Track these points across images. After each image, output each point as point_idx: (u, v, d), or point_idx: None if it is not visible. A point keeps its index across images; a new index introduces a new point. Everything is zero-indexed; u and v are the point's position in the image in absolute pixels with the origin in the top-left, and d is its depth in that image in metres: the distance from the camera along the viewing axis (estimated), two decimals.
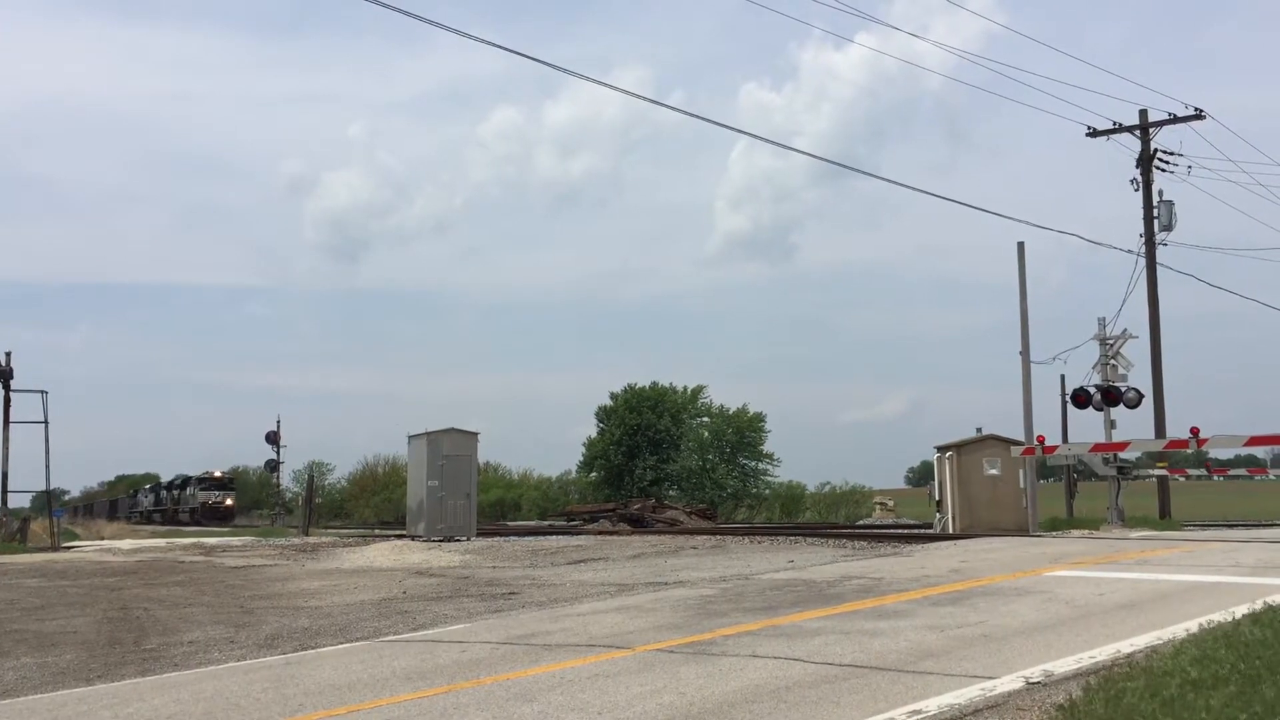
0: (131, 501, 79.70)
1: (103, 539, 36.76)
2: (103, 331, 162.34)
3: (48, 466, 29.87)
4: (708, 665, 6.82)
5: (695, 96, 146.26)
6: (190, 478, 65.47)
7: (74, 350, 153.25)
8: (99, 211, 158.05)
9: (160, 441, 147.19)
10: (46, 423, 29.40)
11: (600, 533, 29.87)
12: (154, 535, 39.86)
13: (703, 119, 73.09)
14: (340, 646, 9.02)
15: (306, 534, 33.73)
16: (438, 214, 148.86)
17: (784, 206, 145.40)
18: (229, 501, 62.54)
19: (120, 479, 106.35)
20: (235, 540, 31.04)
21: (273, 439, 46.33)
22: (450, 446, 26.75)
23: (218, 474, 64.36)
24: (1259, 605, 7.30)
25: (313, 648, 9.09)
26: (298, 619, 11.31)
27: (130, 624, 11.59)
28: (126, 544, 31.04)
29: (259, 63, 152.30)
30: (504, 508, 54.42)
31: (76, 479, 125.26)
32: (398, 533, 30.60)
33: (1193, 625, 6.93)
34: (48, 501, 32.09)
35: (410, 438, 28.31)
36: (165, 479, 77.02)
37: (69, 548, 28.96)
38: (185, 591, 15.07)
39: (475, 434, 27.62)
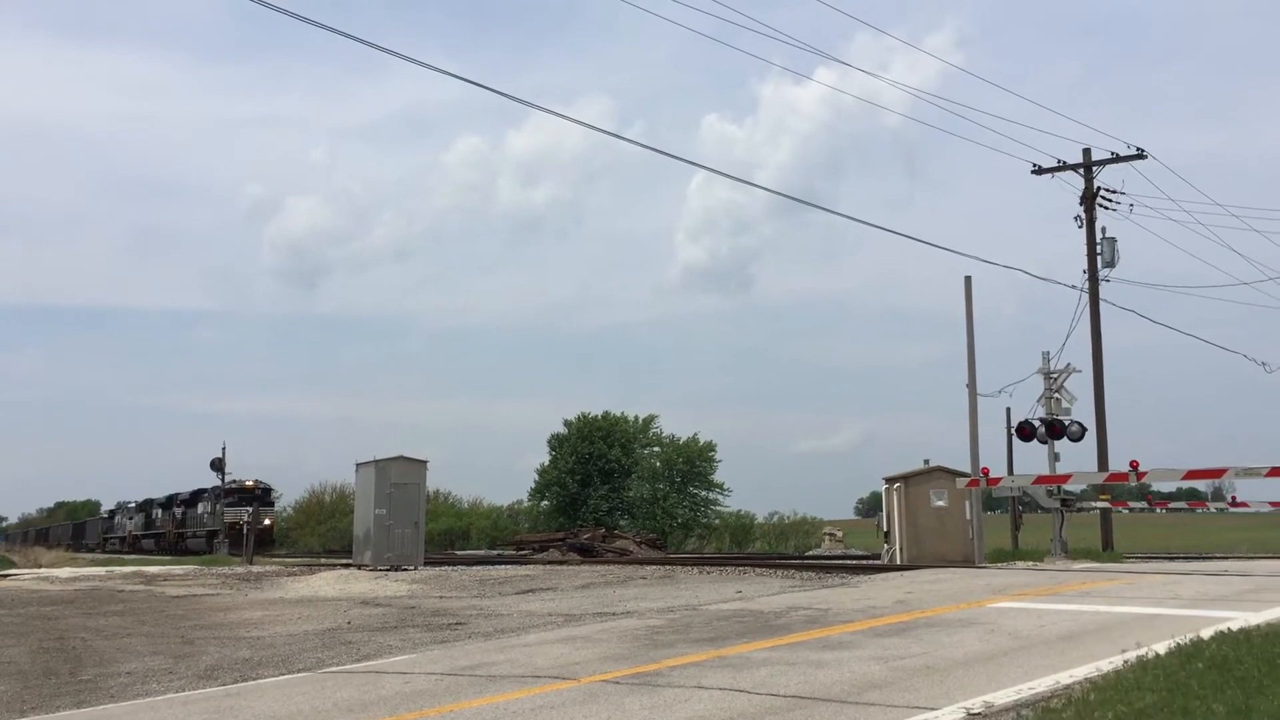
0: (106, 525, 65.21)
1: (40, 566, 35.93)
2: (51, 355, 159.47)
3: None
4: (653, 696, 6.82)
5: (657, 127, 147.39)
6: (204, 490, 49.56)
7: (21, 374, 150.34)
8: (51, 233, 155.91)
9: (106, 468, 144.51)
10: None
11: (549, 562, 29.69)
12: (93, 563, 39.04)
13: (658, 151, 73.70)
14: (282, 678, 8.91)
15: (250, 563, 33.18)
16: (397, 240, 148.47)
17: (742, 238, 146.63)
18: (268, 521, 47.36)
19: (60, 505, 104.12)
20: (177, 569, 30.49)
21: (217, 466, 45.54)
22: (398, 474, 26.53)
23: (249, 483, 48.54)
24: (1196, 637, 7.43)
25: (254, 679, 8.97)
26: (239, 649, 11.14)
27: (66, 654, 11.35)
28: (65, 572, 30.35)
29: (218, 86, 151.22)
30: (453, 536, 53.91)
31: (17, 505, 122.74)
32: (344, 561, 30.24)
33: (1130, 657, 7.03)
34: None
35: (358, 465, 28.05)
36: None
37: (4, 575, 28.28)
38: (124, 621, 14.78)
39: (424, 462, 27.44)
